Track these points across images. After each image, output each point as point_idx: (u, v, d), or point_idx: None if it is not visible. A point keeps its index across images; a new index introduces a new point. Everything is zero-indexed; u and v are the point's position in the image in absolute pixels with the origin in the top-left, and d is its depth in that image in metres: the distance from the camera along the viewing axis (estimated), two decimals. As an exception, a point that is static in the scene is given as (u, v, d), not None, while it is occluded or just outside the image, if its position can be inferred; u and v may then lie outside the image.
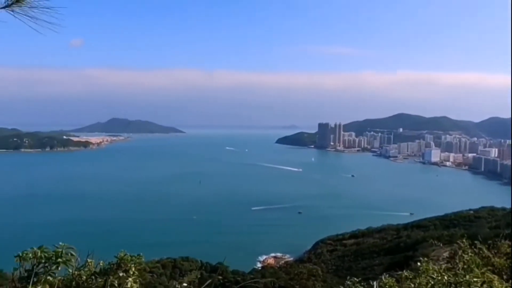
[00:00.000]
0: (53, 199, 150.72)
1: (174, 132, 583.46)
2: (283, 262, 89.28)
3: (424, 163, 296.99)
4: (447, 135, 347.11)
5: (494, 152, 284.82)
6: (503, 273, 4.11)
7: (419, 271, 4.04)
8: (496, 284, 3.32)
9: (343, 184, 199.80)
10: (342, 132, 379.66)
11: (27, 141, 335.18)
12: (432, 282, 3.63)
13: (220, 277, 75.16)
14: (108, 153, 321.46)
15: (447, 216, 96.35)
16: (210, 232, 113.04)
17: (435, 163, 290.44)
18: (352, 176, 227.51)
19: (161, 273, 74.72)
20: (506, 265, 4.37)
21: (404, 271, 4.29)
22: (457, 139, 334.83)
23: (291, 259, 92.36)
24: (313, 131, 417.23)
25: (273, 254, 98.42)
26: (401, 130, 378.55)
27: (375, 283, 3.73)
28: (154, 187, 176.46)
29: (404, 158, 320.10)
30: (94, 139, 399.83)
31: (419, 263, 4.13)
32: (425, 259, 4.22)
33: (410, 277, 4.13)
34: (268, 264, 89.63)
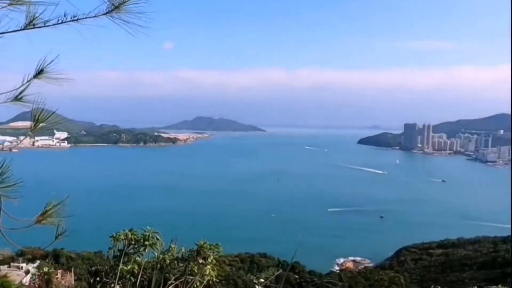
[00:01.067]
0: (146, 190, 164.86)
1: (255, 131, 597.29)
2: (362, 267, 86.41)
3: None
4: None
5: None
6: None
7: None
8: None
9: (431, 189, 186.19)
10: (431, 134, 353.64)
11: (124, 137, 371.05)
12: None
13: (297, 276, 75.48)
14: (193, 149, 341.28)
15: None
16: (288, 231, 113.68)
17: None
18: (443, 181, 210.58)
19: (239, 267, 77.36)
20: None
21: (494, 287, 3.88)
22: None
23: (371, 264, 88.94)
24: (398, 132, 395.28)
25: (352, 258, 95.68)
26: (501, 132, 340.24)
27: None
28: (235, 184, 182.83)
29: (505, 164, 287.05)
30: (181, 136, 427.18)
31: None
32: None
33: None
34: (347, 267, 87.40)
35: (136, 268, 3.51)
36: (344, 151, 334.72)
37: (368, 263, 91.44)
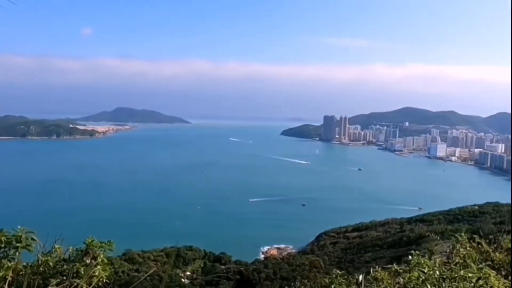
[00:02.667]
0: (60, 186, 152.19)
1: (179, 122, 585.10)
2: (286, 253, 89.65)
3: (429, 157, 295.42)
4: (454, 130, 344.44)
5: (501, 148, 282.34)
6: (502, 269, 3.90)
7: (411, 265, 3.82)
8: (492, 280, 3.10)
9: (349, 177, 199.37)
10: (347, 125, 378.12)
11: (33, 129, 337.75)
12: (423, 277, 3.42)
13: (223, 266, 75.93)
14: (114, 142, 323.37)
15: (451, 211, 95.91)
16: (214, 222, 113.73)
17: (440, 158, 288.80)
18: (359, 169, 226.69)
19: (164, 262, 75.41)
20: (507, 260, 4.16)
21: (395, 264, 4.09)
22: (464, 134, 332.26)
23: (294, 250, 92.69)
24: (319, 124, 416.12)
25: (276, 245, 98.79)
26: (407, 124, 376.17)
27: (361, 276, 3.52)
28: (158, 176, 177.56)
29: (410, 152, 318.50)
30: (100, 128, 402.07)
31: (410, 257, 3.91)
32: (416, 252, 4.00)
33: (401, 270, 3.92)
34: (271, 255, 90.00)
35: (11, 274, 3.00)
36: (268, 142, 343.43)
37: (291, 249, 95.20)
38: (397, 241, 72.33)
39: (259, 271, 67.21)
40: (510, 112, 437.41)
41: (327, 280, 4.25)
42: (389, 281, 3.78)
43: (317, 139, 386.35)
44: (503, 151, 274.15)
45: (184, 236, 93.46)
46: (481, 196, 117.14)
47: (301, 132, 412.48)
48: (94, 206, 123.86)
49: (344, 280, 3.77)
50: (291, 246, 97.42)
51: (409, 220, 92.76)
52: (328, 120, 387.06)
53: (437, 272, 3.37)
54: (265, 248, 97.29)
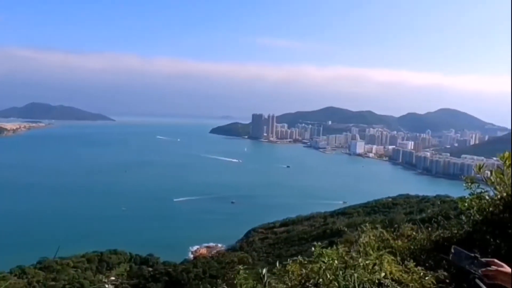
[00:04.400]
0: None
1: (103, 120, 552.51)
2: (215, 251, 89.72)
3: (350, 154, 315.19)
4: (371, 129, 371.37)
5: (410, 145, 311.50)
6: (404, 254, 4.46)
7: (313, 256, 4.17)
8: (386, 265, 3.55)
9: (278, 174, 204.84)
10: (275, 124, 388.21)
11: None
12: (324, 267, 3.76)
13: (150, 269, 73.63)
14: (26, 140, 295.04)
15: (369, 203, 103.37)
16: (140, 224, 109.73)
17: (359, 155, 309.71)
18: (288, 166, 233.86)
19: (86, 268, 71.04)
20: (406, 246, 4.76)
21: (299, 256, 4.42)
22: (379, 132, 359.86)
23: (224, 248, 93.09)
24: (247, 122, 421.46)
25: (205, 244, 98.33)
26: (330, 123, 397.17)
27: (264, 270, 3.77)
28: (78, 177, 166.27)
29: (332, 150, 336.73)
30: (9, 125, 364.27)
31: (313, 248, 4.26)
32: (319, 243, 4.37)
33: (305, 262, 4.24)
34: (200, 254, 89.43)
35: None
36: (197, 140, 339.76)
37: (221, 247, 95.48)
38: (321, 233, 76.27)
39: (188, 271, 66.52)
40: (418, 113, 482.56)
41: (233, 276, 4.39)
42: (298, 272, 4.07)
43: (246, 137, 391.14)
44: (412, 148, 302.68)
45: (108, 239, 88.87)
46: (394, 189, 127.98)
47: (230, 130, 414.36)
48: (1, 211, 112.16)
49: (245, 275, 3.94)
50: (220, 244, 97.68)
51: (332, 214, 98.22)
52: (257, 118, 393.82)
53: (336, 262, 3.72)
54: (194, 248, 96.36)
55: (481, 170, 4.84)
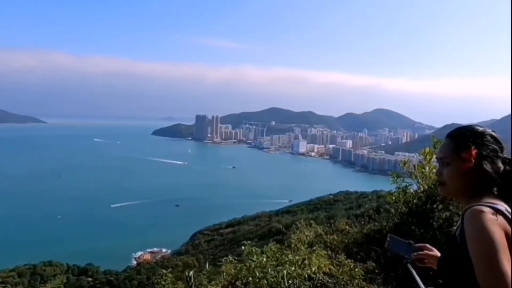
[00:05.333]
0: None
1: (33, 122, 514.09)
2: (159, 256, 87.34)
3: (293, 153, 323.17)
4: (312, 128, 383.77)
5: (349, 144, 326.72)
6: (338, 248, 4.70)
7: (243, 255, 4.24)
8: (313, 259, 3.70)
9: (224, 175, 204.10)
10: (219, 124, 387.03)
11: None
12: (253, 265, 3.83)
13: (90, 279, 69.79)
14: None
15: (312, 201, 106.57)
16: (78, 232, 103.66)
17: (302, 154, 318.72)
18: (233, 167, 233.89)
19: (16, 283, 65.65)
20: (340, 240, 5.02)
21: (230, 255, 4.47)
22: (320, 132, 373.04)
23: (169, 252, 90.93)
24: (191, 123, 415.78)
25: (149, 250, 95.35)
26: (273, 123, 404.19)
27: (191, 272, 3.78)
28: (5, 185, 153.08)
29: (276, 150, 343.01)
30: None
31: (243, 247, 4.33)
32: (249, 242, 4.45)
33: (235, 262, 4.29)
34: (144, 260, 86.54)
35: None
36: (139, 143, 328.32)
37: (165, 251, 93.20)
38: (267, 232, 77.23)
39: (132, 278, 64.13)
40: (355, 113, 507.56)
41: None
42: (229, 272, 4.09)
43: (190, 138, 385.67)
44: (351, 146, 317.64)
45: (42, 251, 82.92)
46: (335, 186, 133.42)
47: (173, 132, 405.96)
48: None
49: (170, 278, 3.91)
50: (165, 249, 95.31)
51: (277, 212, 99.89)
52: (200, 119, 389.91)
53: (265, 259, 3.80)
54: (138, 254, 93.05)
55: (406, 165, 5.24)
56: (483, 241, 1.72)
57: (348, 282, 3.46)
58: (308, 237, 4.58)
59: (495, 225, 1.76)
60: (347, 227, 5.27)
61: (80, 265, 75.93)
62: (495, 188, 2.04)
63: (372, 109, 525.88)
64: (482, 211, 1.82)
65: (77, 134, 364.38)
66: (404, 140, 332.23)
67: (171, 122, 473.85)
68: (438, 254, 2.44)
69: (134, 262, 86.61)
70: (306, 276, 3.34)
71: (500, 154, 2.10)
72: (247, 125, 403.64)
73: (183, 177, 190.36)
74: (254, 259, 3.69)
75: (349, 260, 3.80)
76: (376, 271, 3.80)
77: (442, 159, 2.19)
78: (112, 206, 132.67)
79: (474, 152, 2.03)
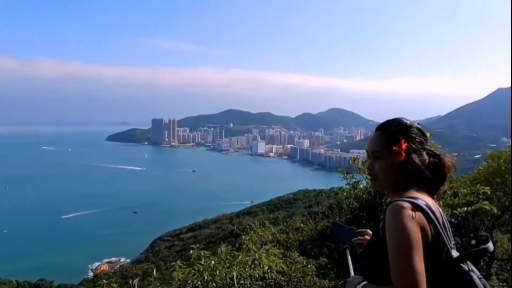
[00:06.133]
0: None
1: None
2: (118, 266, 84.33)
3: (252, 155, 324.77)
4: (270, 129, 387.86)
5: (306, 143, 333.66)
6: (293, 246, 4.80)
7: (191, 259, 4.24)
8: (264, 259, 3.77)
9: (184, 179, 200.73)
10: (176, 128, 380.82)
11: None
12: (202, 269, 3.85)
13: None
14: None
15: (272, 201, 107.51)
16: (28, 247, 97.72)
17: (261, 155, 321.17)
18: (194, 171, 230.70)
19: (-41, 306, 60.70)
20: (295, 238, 5.14)
21: (178, 261, 4.47)
22: (278, 133, 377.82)
23: (128, 261, 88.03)
24: (147, 127, 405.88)
25: (106, 260, 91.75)
26: (231, 125, 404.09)
27: (135, 280, 3.75)
28: None
29: (235, 151, 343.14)
30: None
31: (191, 251, 4.34)
32: (197, 245, 4.46)
33: (184, 266, 4.30)
34: (102, 271, 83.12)
35: None
36: (93, 149, 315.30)
37: (124, 261, 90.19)
38: (228, 235, 76.95)
39: (89, 291, 61.42)
40: (312, 112, 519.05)
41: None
42: (179, 277, 4.06)
43: (146, 143, 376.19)
44: (308, 145, 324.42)
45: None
46: (294, 185, 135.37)
47: (129, 137, 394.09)
48: None
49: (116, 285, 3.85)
50: (123, 258, 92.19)
51: (238, 214, 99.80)
52: (157, 123, 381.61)
53: (213, 262, 3.82)
54: (95, 265, 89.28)
55: (355, 161, 5.44)
56: (398, 238, 1.74)
57: (301, 278, 3.54)
58: (262, 237, 4.63)
59: (412, 222, 1.77)
60: (302, 225, 5.40)
61: (32, 281, 71.54)
62: (422, 181, 2.03)
63: (327, 108, 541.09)
64: (401, 207, 1.82)
65: (24, 142, 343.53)
66: (358, 138, 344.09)
67: (127, 127, 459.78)
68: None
69: (91, 274, 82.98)
70: (257, 276, 3.37)
71: (426, 146, 2.09)
72: (205, 128, 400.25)
73: (141, 183, 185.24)
74: (202, 263, 3.68)
75: (302, 257, 3.89)
76: (329, 266, 3.92)
77: (374, 152, 2.18)
78: (63, 217, 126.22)
79: (404, 145, 2.02)
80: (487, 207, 6.82)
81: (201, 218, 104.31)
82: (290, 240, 4.95)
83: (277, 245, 4.34)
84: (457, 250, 1.94)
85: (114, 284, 3.66)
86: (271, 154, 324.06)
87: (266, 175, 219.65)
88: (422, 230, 1.80)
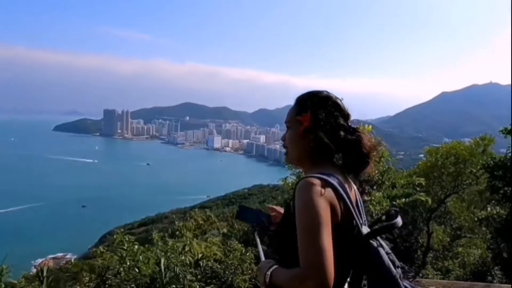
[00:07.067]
0: None
1: None
2: (64, 262, 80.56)
3: (208, 149, 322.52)
4: (227, 124, 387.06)
5: (262, 139, 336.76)
6: (233, 235, 4.84)
7: (113, 244, 4.19)
8: (195, 245, 3.78)
9: (137, 172, 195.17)
10: (130, 120, 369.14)
11: None
12: (124, 254, 3.80)
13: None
14: None
15: (227, 195, 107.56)
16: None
17: (217, 149, 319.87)
18: (148, 164, 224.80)
19: None
20: (237, 228, 5.17)
21: (101, 246, 4.44)
22: (235, 127, 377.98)
23: (75, 257, 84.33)
24: (99, 118, 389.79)
25: (51, 256, 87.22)
26: (187, 118, 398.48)
27: (45, 269, 3.62)
28: None
29: (191, 145, 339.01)
30: None
31: (114, 236, 4.28)
32: (121, 230, 4.44)
33: (107, 252, 4.23)
34: (46, 267, 79.03)
35: None
36: (39, 139, 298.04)
37: (71, 256, 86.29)
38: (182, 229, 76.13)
39: (31, 289, 58.22)
40: (268, 108, 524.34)
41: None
42: (99, 263, 3.94)
43: (97, 134, 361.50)
44: (264, 141, 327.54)
45: None
46: (249, 180, 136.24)
47: (79, 127, 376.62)
48: None
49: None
50: (70, 254, 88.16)
51: (192, 208, 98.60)
52: (109, 114, 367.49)
53: (136, 247, 3.77)
54: (38, 261, 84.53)
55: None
56: (306, 215, 1.63)
57: (238, 266, 3.54)
58: (202, 226, 4.59)
59: (321, 199, 1.65)
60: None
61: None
62: (336, 157, 1.92)
63: (284, 105, 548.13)
64: (311, 183, 1.69)
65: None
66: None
67: (76, 116, 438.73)
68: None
69: (34, 271, 78.65)
70: (189, 262, 3.32)
71: (342, 122, 1.93)
72: (160, 120, 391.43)
73: (91, 176, 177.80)
74: (125, 248, 3.56)
75: (240, 245, 3.90)
76: (269, 254, 3.96)
77: (286, 123, 2.16)
78: (0, 211, 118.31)
79: (308, 116, 1.91)
80: (423, 198, 7.27)
81: (155, 212, 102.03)
82: (235, 231, 4.95)
83: (220, 234, 4.32)
84: (368, 227, 1.86)
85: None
86: (227, 149, 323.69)
87: (222, 169, 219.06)
88: (332, 207, 1.69)
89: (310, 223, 1.61)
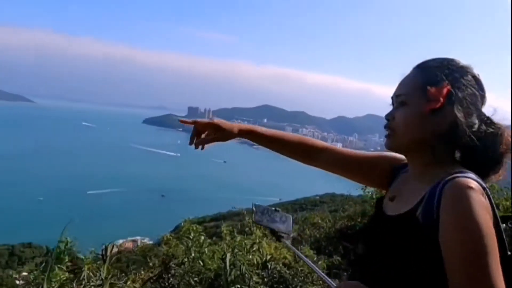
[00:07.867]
0: None
1: (21, 101, 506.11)
2: (141, 245, 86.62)
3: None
4: (304, 129, 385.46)
5: (339, 146, 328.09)
6: (307, 241, 4.54)
7: (180, 232, 4.07)
8: (264, 244, 3.52)
9: (214, 169, 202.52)
10: (211, 117, 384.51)
11: None
12: (190, 244, 3.65)
13: (70, 263, 68.84)
14: None
15: (298, 200, 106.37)
16: (59, 216, 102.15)
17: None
18: (224, 162, 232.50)
19: (-7, 262, 64.49)
20: (311, 234, 4.86)
21: (168, 233, 4.37)
22: (311, 133, 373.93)
23: (151, 242, 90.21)
24: (183, 115, 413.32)
25: (131, 238, 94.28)
26: (265, 120, 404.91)
27: (108, 244, 3.55)
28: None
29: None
30: None
31: (182, 223, 4.15)
32: (189, 218, 4.32)
33: (174, 239, 4.13)
34: (126, 248, 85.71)
35: None
36: (129, 130, 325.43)
37: (148, 241, 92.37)
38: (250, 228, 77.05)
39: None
40: (347, 116, 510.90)
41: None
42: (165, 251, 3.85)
43: (181, 129, 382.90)
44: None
45: (22, 232, 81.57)
46: (322, 187, 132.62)
47: (165, 122, 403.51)
48: None
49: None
50: (147, 239, 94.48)
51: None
52: (193, 111, 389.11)
53: (202, 238, 3.58)
54: (119, 241, 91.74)
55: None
56: (473, 237, 1.06)
57: (308, 274, 3.25)
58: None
59: (485, 211, 1.08)
60: (320, 221, 5.09)
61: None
62: (459, 154, 1.26)
63: (364, 114, 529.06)
64: (470, 188, 1.09)
65: (66, 117, 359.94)
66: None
67: (163, 112, 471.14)
68: (223, 124, 1.77)
69: (116, 250, 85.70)
70: (256, 262, 3.11)
71: (479, 106, 1.25)
72: (239, 121, 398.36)
73: (171, 168, 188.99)
74: (191, 237, 3.43)
75: (312, 252, 3.61)
76: (342, 266, 3.60)
77: (399, 96, 1.32)
78: (89, 192, 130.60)
79: (446, 88, 1.20)
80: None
81: (226, 209, 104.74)
82: (306, 236, 4.67)
83: (290, 238, 4.10)
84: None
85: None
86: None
87: (295, 173, 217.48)
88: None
89: (478, 252, 1.05)
